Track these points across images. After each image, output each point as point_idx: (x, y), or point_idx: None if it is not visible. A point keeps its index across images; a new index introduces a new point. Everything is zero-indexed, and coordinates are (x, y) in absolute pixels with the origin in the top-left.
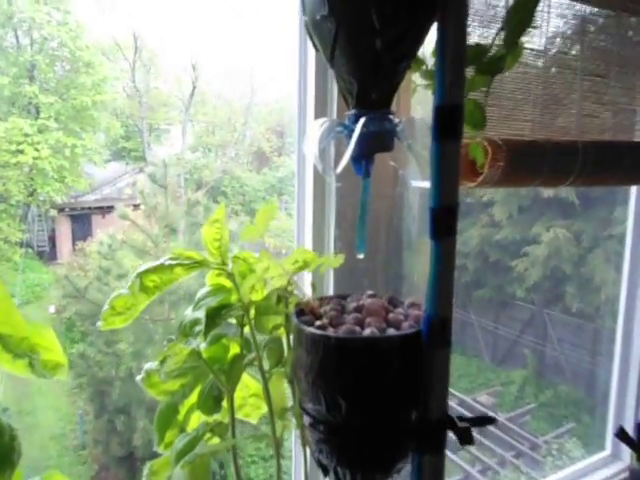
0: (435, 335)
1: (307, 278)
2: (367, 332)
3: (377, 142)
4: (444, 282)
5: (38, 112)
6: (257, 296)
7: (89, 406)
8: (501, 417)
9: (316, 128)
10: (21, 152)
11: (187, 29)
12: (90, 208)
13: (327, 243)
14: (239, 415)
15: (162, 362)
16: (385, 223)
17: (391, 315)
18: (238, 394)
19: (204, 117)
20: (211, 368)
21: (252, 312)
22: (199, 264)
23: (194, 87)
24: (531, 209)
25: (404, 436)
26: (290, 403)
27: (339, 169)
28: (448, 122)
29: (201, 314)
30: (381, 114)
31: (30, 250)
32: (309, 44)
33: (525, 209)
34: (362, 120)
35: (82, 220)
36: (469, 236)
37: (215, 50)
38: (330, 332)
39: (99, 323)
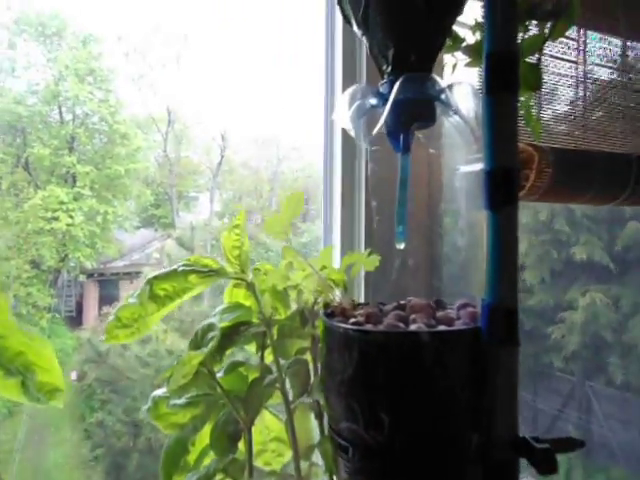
0: (498, 329)
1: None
2: (413, 328)
3: (417, 110)
4: (506, 262)
5: (75, 181)
6: (280, 314)
7: None
8: None
9: (347, 97)
10: (56, 219)
11: (217, 101)
12: (118, 274)
13: (357, 244)
14: (258, 462)
15: (169, 381)
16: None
17: (440, 313)
18: (257, 438)
19: (231, 185)
20: (227, 393)
21: (274, 333)
22: (216, 273)
23: (222, 156)
24: (564, 273)
25: (463, 463)
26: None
27: (375, 130)
28: (501, 70)
29: (215, 331)
30: (421, 77)
31: (57, 315)
32: (333, 110)
33: (558, 273)
34: (398, 83)
35: (110, 285)
36: None
37: (243, 121)
38: (369, 327)
39: (102, 337)
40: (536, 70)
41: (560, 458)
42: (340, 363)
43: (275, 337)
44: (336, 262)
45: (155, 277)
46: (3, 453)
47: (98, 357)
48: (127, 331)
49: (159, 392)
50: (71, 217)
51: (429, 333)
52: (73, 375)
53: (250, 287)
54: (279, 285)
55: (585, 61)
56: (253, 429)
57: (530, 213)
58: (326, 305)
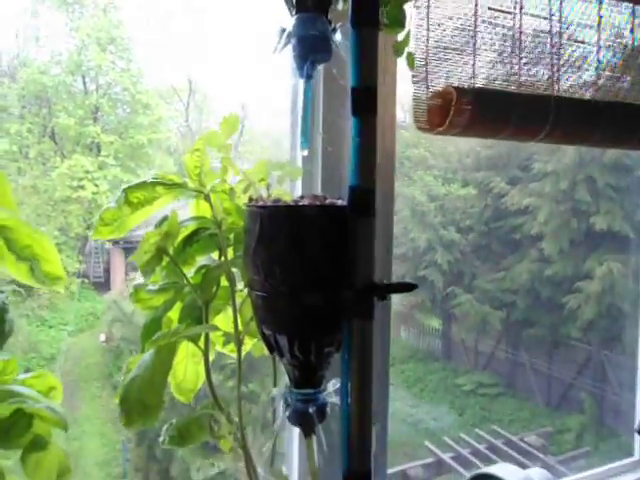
0: (359, 205)
1: None
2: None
3: (311, 44)
4: (366, 155)
5: (99, 150)
6: (233, 221)
7: (131, 433)
8: (552, 460)
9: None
10: (82, 187)
11: (238, 71)
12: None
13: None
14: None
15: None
16: None
17: (328, 200)
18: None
19: (252, 155)
20: (189, 282)
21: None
22: (179, 186)
23: (243, 126)
24: (583, 243)
25: (334, 302)
26: None
27: (277, 52)
28: (364, 8)
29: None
30: (315, 16)
31: (86, 280)
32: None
33: (577, 243)
34: (295, 20)
35: (135, 252)
36: (518, 272)
37: (264, 91)
38: (268, 204)
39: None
40: (401, 11)
41: (573, 423)
42: (250, 235)
43: (232, 241)
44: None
45: (129, 187)
46: None
47: (124, 317)
48: (109, 228)
49: (138, 282)
50: (96, 186)
51: (308, 206)
52: (102, 337)
53: (207, 198)
54: (218, 188)
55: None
56: (219, 319)
57: (551, 181)
58: (250, 199)
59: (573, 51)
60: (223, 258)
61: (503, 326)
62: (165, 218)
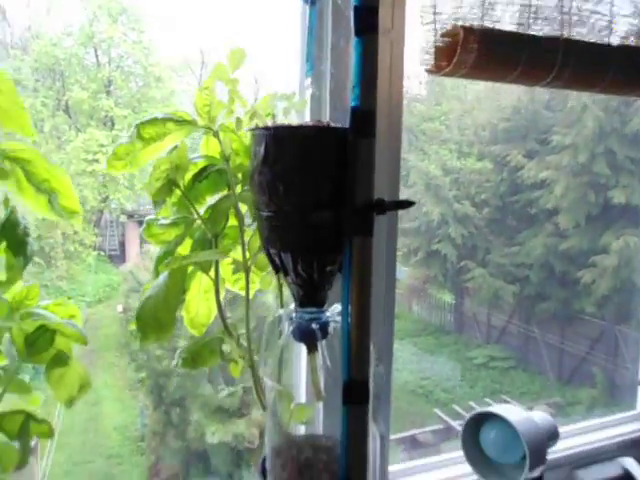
0: (360, 125)
1: None
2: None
3: None
4: (368, 75)
5: (113, 124)
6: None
7: (148, 399)
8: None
9: None
10: (96, 161)
11: (249, 43)
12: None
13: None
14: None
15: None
16: None
17: (332, 124)
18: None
19: None
20: (199, 215)
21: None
22: (188, 123)
23: (256, 99)
24: (600, 217)
25: (335, 220)
26: None
27: None
28: None
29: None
30: None
31: (102, 253)
32: None
33: (594, 217)
34: None
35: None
36: (532, 246)
37: (276, 63)
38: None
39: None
40: None
41: (584, 396)
42: (256, 158)
43: (240, 180)
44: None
45: (141, 122)
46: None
47: (140, 287)
48: (122, 163)
49: (150, 217)
50: None
51: (310, 126)
52: (119, 308)
53: (216, 134)
54: (227, 126)
55: None
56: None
57: (569, 154)
58: (256, 127)
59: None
60: (232, 192)
61: (516, 300)
62: (175, 147)
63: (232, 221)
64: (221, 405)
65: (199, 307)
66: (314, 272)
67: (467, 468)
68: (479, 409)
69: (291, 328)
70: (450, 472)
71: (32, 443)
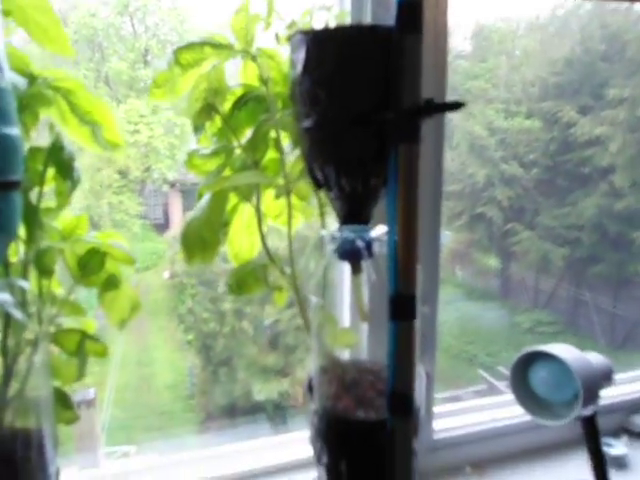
0: (406, 20)
1: None
2: None
3: None
4: None
5: None
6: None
7: (197, 359)
8: None
9: None
10: (138, 132)
11: (284, 12)
12: (197, 183)
13: None
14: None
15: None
16: None
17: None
18: (273, 202)
19: None
20: (238, 140)
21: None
22: (226, 47)
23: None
24: None
25: (380, 128)
26: None
27: None
28: None
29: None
30: None
31: (147, 222)
32: None
33: None
34: None
35: (191, 194)
36: (584, 207)
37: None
38: None
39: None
40: None
41: (638, 361)
42: (295, 67)
43: (280, 107)
44: None
45: (179, 48)
46: (111, 335)
47: None
48: (161, 90)
49: (191, 147)
50: (151, 129)
51: (353, 26)
52: (166, 274)
53: (254, 58)
54: (265, 51)
55: None
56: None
57: (626, 108)
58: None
59: None
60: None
61: (566, 263)
62: (213, 67)
63: (271, 154)
64: (266, 365)
65: (242, 241)
66: (358, 185)
67: (514, 410)
68: (528, 348)
69: (334, 247)
70: (495, 414)
71: (91, 395)
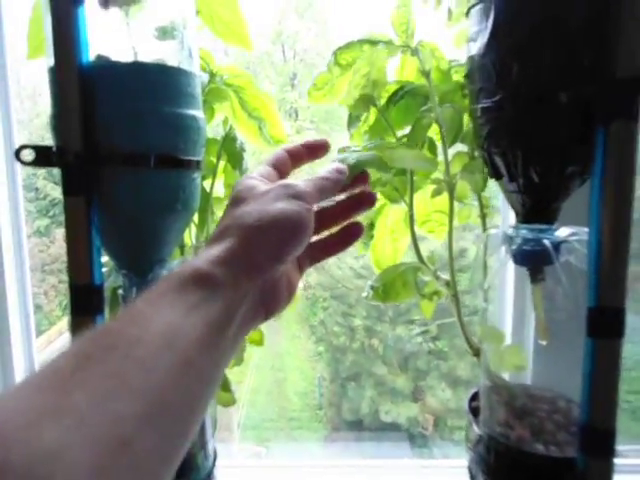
0: None
1: None
2: None
3: None
4: None
5: (297, 115)
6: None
7: (326, 371)
8: None
9: None
10: None
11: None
12: None
13: None
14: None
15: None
16: None
17: None
18: (420, 208)
19: None
20: (394, 133)
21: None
22: (385, 43)
23: None
24: None
25: (586, 101)
26: None
27: None
28: None
29: None
30: None
31: None
32: None
33: None
34: None
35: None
36: None
37: None
38: None
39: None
40: None
41: None
42: (478, 39)
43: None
44: None
45: (338, 48)
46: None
47: (318, 264)
48: (321, 92)
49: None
50: None
51: None
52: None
53: (414, 52)
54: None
55: None
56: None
57: None
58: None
59: None
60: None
61: None
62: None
63: (429, 152)
64: (395, 387)
65: (385, 247)
66: (551, 174)
67: None
68: None
69: (511, 248)
70: None
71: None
